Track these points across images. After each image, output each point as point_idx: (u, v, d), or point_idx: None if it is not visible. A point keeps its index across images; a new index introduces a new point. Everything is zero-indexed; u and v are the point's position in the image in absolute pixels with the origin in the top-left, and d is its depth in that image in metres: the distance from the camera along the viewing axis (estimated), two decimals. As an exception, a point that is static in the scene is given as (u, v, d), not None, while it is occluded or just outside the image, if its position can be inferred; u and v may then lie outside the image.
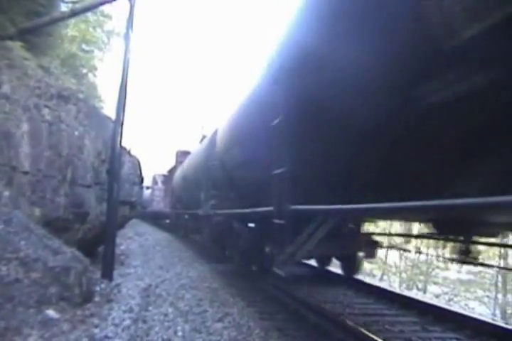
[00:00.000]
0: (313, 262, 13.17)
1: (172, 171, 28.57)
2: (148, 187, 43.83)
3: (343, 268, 11.32)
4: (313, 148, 5.96)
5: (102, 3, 10.42)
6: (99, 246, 12.24)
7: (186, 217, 21.46)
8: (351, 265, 10.95)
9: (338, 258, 11.40)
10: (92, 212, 10.76)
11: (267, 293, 9.29)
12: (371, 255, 9.40)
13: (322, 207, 5.84)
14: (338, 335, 6.24)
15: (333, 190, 6.00)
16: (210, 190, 13.37)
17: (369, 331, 6.12)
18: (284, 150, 6.46)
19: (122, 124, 9.43)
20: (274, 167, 6.65)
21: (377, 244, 9.35)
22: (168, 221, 30.94)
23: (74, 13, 9.73)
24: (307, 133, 5.96)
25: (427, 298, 11.38)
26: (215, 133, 12.80)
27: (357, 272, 11.09)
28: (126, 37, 9.49)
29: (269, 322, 6.92)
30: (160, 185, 36.28)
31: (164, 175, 35.63)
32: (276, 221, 6.62)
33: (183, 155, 24.45)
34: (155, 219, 38.30)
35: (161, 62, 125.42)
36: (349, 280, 10.77)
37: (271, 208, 6.89)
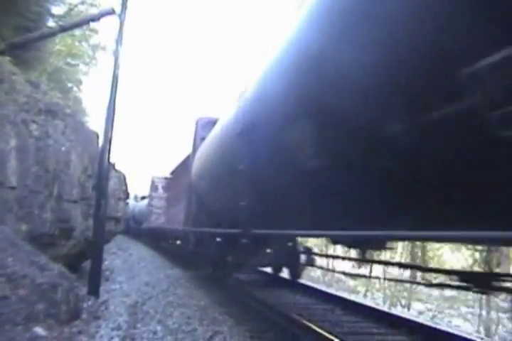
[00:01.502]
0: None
1: (183, 166, 18.47)
2: (143, 197, 36.33)
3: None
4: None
5: (91, 20, 10.45)
6: (83, 262, 12.18)
7: (219, 240, 12.27)
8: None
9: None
10: (77, 228, 10.71)
11: (256, 311, 9.24)
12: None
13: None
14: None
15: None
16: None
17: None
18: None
19: (110, 141, 9.44)
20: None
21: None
22: (171, 241, 22.36)
23: (63, 29, 9.77)
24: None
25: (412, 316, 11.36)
26: None
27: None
28: (116, 53, 9.51)
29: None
30: (161, 191, 26.62)
31: (167, 179, 26.04)
32: None
33: (207, 126, 13.97)
34: (155, 239, 28.27)
35: (149, 61, 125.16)
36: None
37: None
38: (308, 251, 11.37)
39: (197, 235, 14.23)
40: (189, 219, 14.52)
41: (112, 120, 9.46)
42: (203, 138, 13.67)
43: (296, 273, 12.86)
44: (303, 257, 11.70)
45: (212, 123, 12.58)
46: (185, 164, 17.11)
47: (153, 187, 27.31)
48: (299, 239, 12.35)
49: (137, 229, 34.66)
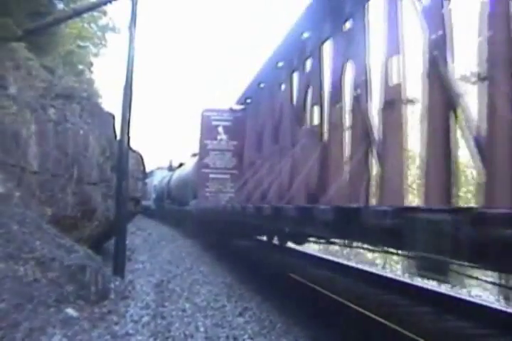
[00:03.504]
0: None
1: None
2: (181, 164, 24.00)
3: None
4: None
5: (104, 3, 10.39)
6: (105, 243, 12.31)
7: None
8: None
9: None
10: (98, 209, 10.82)
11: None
12: None
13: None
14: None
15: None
16: None
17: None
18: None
19: (129, 122, 9.45)
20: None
21: None
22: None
23: (76, 13, 9.75)
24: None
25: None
26: None
27: None
28: (131, 36, 9.44)
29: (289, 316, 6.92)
30: (224, 137, 14.59)
31: (234, 111, 14.90)
32: None
33: None
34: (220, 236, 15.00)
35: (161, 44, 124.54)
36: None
37: None
38: None
39: None
40: None
41: (130, 101, 9.45)
42: None
43: None
44: None
45: None
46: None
47: (208, 130, 14.77)
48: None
49: (177, 212, 20.84)
